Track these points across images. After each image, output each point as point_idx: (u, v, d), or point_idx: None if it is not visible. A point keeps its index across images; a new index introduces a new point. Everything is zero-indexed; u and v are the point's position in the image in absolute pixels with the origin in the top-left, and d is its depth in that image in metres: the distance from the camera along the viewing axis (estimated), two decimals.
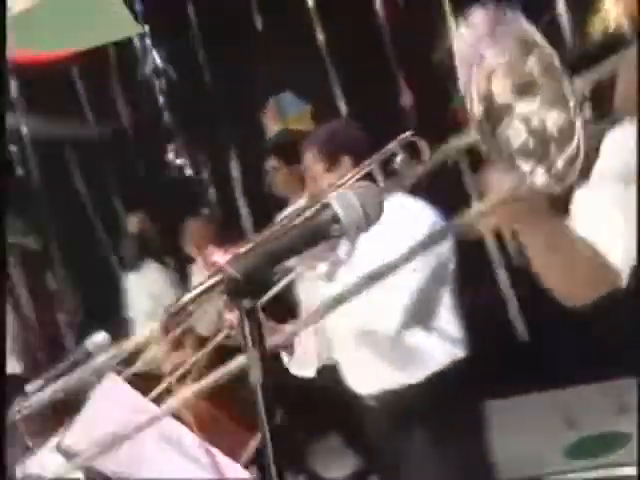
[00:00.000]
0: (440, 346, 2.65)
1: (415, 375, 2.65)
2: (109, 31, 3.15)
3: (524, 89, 1.20)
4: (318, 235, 1.21)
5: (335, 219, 1.21)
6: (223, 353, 2.03)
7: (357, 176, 2.55)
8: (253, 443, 4.31)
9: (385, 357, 2.61)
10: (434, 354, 2.65)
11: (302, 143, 2.92)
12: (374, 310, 2.49)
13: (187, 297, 1.15)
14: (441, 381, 2.64)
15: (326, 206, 1.21)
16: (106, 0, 2.93)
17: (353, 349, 2.64)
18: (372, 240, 2.53)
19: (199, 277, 4.35)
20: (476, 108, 1.30)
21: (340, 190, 1.24)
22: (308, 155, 2.86)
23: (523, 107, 1.23)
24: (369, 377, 2.70)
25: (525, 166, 1.28)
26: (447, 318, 2.66)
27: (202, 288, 1.15)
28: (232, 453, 4.26)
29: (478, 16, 1.24)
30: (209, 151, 6.69)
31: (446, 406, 2.59)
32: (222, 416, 4.27)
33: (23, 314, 6.75)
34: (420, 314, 2.58)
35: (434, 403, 2.61)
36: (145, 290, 6.09)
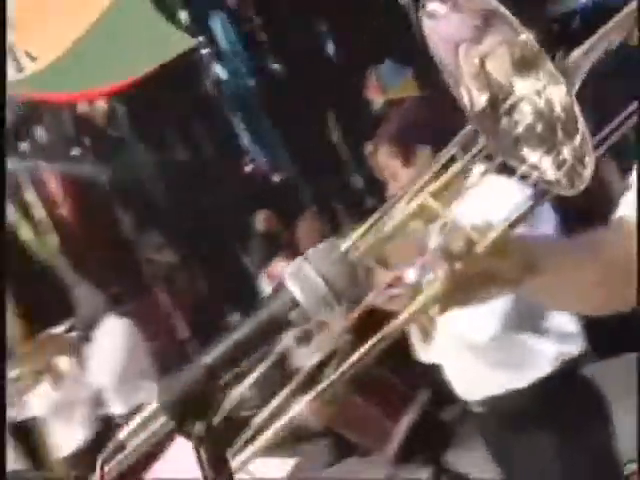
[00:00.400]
0: (552, 346, 2.37)
1: (525, 378, 2.39)
2: (161, 52, 2.98)
3: (524, 65, 1.00)
4: (273, 329, 0.96)
5: (293, 303, 0.96)
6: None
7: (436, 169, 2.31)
8: (400, 428, 4.19)
9: (488, 362, 2.36)
10: (545, 355, 2.37)
11: (375, 136, 2.66)
12: (469, 316, 2.24)
13: (124, 434, 0.94)
14: (557, 380, 2.37)
15: (280, 288, 0.97)
16: (149, 23, 2.78)
17: (454, 355, 2.40)
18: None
19: None
20: (477, 98, 1.08)
21: (298, 259, 0.99)
22: (381, 151, 2.56)
23: (526, 86, 1.03)
24: (473, 383, 2.46)
25: (532, 156, 1.06)
26: (560, 316, 2.37)
27: (139, 421, 0.93)
28: (380, 442, 4.16)
29: None
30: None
31: (566, 405, 2.33)
32: (367, 406, 4.16)
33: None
34: (525, 316, 2.30)
35: (551, 404, 2.35)
36: None
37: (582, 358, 2.43)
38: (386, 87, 5.65)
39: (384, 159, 2.54)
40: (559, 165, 1.02)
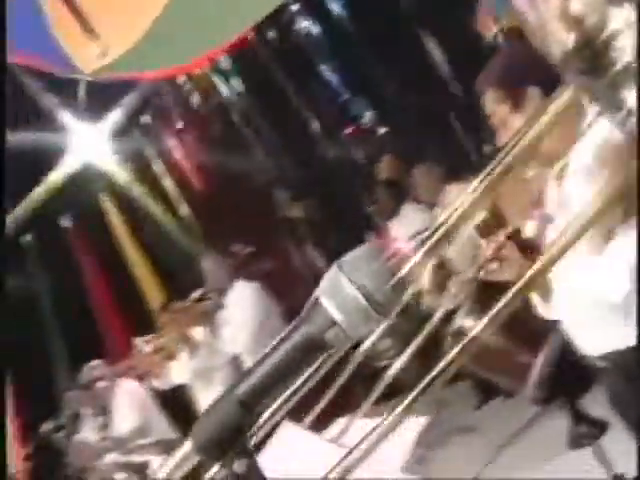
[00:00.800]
0: None
1: None
2: (251, 12, 2.88)
3: None
4: (309, 353, 0.87)
5: (331, 322, 0.86)
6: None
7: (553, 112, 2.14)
8: (539, 361, 4.06)
9: (617, 319, 2.20)
10: None
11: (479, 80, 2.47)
12: (598, 274, 2.11)
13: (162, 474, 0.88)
14: None
15: (315, 306, 0.87)
16: None
17: (582, 312, 2.25)
18: (580, 185, 2.14)
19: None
20: (565, 39, 0.97)
21: (332, 271, 0.89)
22: (488, 97, 2.36)
23: (622, 17, 0.91)
24: (600, 339, 2.31)
25: (630, 99, 0.94)
26: None
27: (175, 462, 0.87)
28: (519, 379, 4.05)
29: None
30: None
31: None
32: (505, 343, 4.04)
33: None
34: None
35: None
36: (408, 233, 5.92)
37: None
38: (498, 16, 5.35)
39: (491, 105, 2.36)
40: None
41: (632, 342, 2.22)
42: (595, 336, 2.32)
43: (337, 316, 0.86)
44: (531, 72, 2.24)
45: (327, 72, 6.93)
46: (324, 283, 0.87)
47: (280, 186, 7.69)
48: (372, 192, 6.50)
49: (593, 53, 0.95)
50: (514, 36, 4.44)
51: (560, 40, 0.99)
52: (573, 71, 1.00)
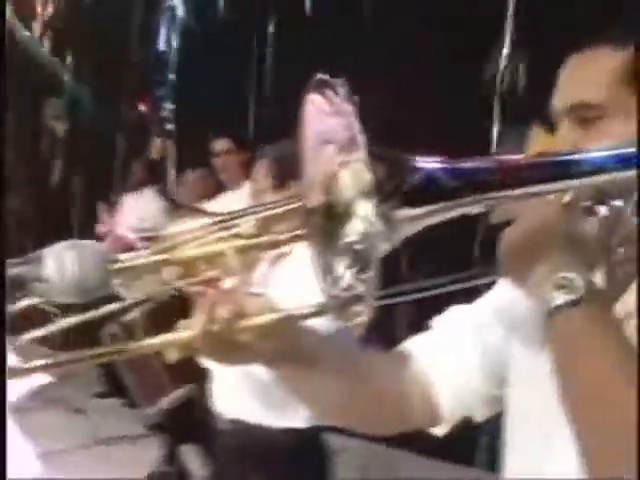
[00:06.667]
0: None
1: (278, 421, 2.52)
2: None
3: (366, 188, 0.96)
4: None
5: (42, 278, 1.03)
6: None
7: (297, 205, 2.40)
8: (173, 395, 4.28)
9: (258, 392, 2.47)
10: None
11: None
12: None
13: None
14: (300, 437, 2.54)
15: (41, 256, 1.04)
16: None
17: (231, 374, 2.49)
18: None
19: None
20: (315, 197, 1.07)
21: (73, 242, 1.06)
22: (260, 167, 2.70)
23: (365, 208, 0.98)
24: (234, 403, 2.60)
25: (340, 268, 1.03)
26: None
27: None
28: (149, 395, 4.24)
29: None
30: None
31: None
32: (154, 361, 4.21)
33: None
34: None
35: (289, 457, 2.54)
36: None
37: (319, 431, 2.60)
38: None
39: (259, 176, 2.69)
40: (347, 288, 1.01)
41: (258, 421, 2.51)
42: (233, 399, 2.58)
43: (50, 276, 1.03)
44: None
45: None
46: (65, 244, 1.05)
47: None
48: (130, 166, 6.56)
49: (329, 219, 1.03)
50: None
51: (311, 193, 1.06)
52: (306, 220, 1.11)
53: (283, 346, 1.20)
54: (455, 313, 1.36)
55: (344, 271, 1.02)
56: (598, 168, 1.00)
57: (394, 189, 0.94)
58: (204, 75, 6.56)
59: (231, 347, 1.16)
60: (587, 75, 1.13)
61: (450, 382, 1.30)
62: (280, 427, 2.53)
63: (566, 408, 0.97)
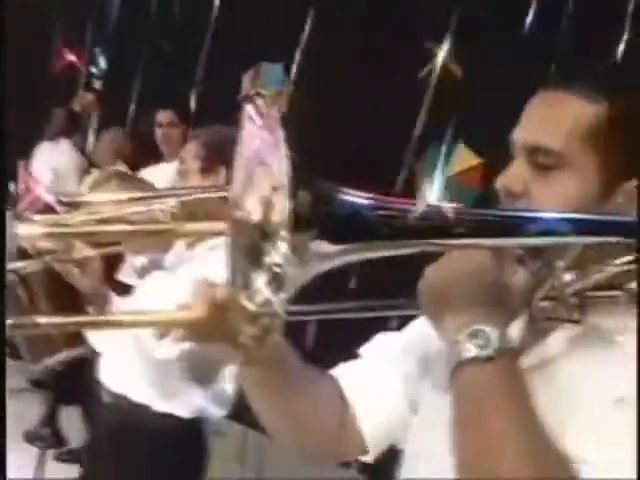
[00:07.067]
0: (201, 400, 2.52)
1: (165, 406, 2.49)
2: None
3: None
4: None
5: None
6: None
7: (222, 194, 2.37)
8: (61, 356, 4.19)
9: (152, 370, 2.44)
10: (192, 401, 2.51)
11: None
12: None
13: None
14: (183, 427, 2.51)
15: None
16: None
17: (124, 348, 2.44)
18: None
19: None
20: (253, 213, 1.02)
21: None
22: (190, 147, 2.64)
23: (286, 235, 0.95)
24: (124, 378, 2.54)
25: (258, 282, 1.00)
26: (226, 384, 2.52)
27: None
28: (35, 351, 4.15)
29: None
30: None
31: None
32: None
33: None
34: (207, 362, 2.39)
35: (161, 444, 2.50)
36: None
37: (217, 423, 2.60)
38: (260, 84, 5.64)
39: (188, 155, 2.59)
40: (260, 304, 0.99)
41: (145, 401, 2.46)
42: (123, 375, 2.52)
43: None
44: (229, 157, 2.48)
45: None
46: None
47: None
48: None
49: (253, 239, 0.99)
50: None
51: (243, 207, 1.02)
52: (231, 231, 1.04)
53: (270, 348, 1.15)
54: (382, 341, 1.35)
55: (262, 286, 1.00)
56: (545, 231, 0.96)
57: (313, 221, 0.90)
58: (146, 43, 6.46)
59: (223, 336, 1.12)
60: (551, 119, 1.07)
61: (374, 413, 1.28)
62: (164, 411, 2.49)
63: (455, 454, 0.97)
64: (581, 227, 0.98)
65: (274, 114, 0.93)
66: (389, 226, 0.94)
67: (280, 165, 0.90)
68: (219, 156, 2.49)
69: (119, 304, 2.34)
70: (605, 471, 0.91)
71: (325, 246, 0.91)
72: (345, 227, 0.92)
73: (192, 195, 2.27)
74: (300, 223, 0.88)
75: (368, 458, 1.32)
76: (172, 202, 2.12)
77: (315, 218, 0.89)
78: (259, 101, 0.97)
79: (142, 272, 2.54)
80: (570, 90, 1.08)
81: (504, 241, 1.00)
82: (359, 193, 0.93)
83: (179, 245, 2.47)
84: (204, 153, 2.56)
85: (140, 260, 2.58)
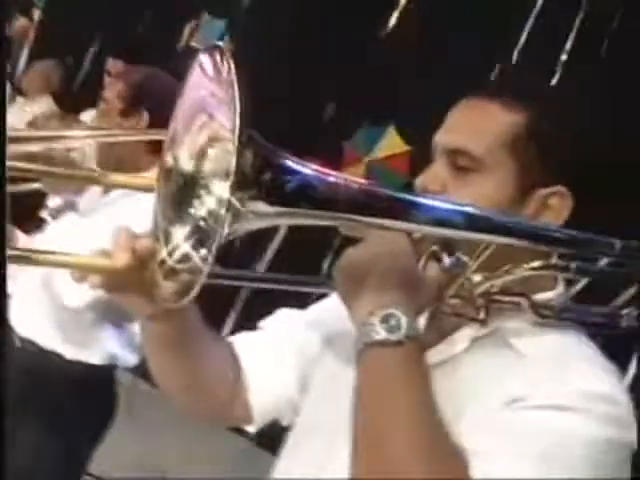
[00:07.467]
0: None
1: (79, 355, 2.41)
2: None
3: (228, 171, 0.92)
4: None
5: None
6: None
7: (142, 138, 2.30)
8: None
9: (60, 319, 2.37)
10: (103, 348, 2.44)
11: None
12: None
13: None
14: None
15: None
16: None
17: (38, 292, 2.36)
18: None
19: None
20: (181, 162, 1.02)
21: None
22: (113, 86, 2.52)
23: (218, 188, 0.98)
24: (32, 323, 2.43)
25: (178, 235, 1.01)
26: None
27: None
28: None
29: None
30: None
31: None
32: None
33: None
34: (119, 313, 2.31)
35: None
36: None
37: None
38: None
39: (110, 94, 2.46)
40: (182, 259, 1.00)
41: (53, 347, 2.37)
42: (26, 317, 2.39)
43: None
44: (154, 102, 2.36)
45: None
46: None
47: None
48: None
49: (182, 189, 1.00)
50: None
51: (176, 158, 1.02)
52: (161, 183, 1.03)
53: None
54: (284, 315, 1.35)
55: (182, 241, 1.01)
56: (443, 220, 1.00)
57: (256, 181, 0.91)
58: None
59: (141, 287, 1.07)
60: (474, 125, 1.12)
61: (262, 384, 1.29)
62: (73, 359, 2.41)
63: (352, 435, 0.98)
64: (476, 222, 1.01)
65: (232, 71, 0.91)
66: (325, 196, 0.95)
67: (226, 120, 0.90)
68: (144, 99, 2.41)
69: (25, 242, 2.26)
70: (492, 464, 0.95)
71: (262, 206, 0.92)
72: (285, 191, 0.94)
73: (111, 137, 2.19)
74: (241, 181, 0.89)
75: (251, 428, 1.33)
76: (90, 142, 2.04)
77: (258, 178, 0.91)
78: (217, 55, 0.95)
79: (56, 213, 2.47)
80: (493, 99, 1.13)
81: (398, 224, 1.00)
82: (304, 162, 0.95)
83: (93, 189, 2.39)
84: (129, 93, 2.46)
85: (55, 201, 2.50)
